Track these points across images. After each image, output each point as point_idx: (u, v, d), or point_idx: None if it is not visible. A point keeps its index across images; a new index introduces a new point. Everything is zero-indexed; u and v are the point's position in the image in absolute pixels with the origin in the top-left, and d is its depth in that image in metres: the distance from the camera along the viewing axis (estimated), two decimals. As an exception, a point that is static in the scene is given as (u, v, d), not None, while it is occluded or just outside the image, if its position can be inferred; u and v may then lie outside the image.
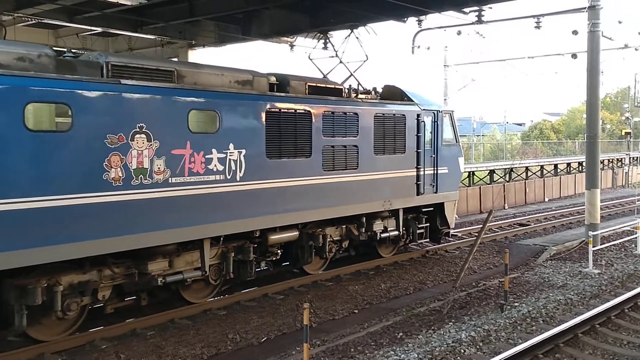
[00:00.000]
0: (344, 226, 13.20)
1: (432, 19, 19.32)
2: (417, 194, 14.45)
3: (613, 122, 69.50)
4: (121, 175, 8.87)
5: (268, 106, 11.07)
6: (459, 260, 15.05)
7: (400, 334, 9.54)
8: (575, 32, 18.05)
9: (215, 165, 10.12)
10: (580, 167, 37.32)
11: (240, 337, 9.54)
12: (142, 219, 9.17)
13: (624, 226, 17.59)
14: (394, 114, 13.82)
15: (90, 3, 15.05)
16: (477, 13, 15.79)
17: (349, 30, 14.51)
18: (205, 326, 10.01)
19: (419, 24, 18.03)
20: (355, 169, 12.86)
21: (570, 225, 21.14)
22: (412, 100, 14.57)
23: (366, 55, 14.65)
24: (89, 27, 18.76)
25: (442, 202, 15.26)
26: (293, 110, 11.56)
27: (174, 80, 9.87)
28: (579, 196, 31.26)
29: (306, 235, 12.39)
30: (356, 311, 11.00)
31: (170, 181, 9.49)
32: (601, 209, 18.09)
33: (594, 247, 14.57)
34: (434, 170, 14.83)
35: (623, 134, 51.98)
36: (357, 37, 14.69)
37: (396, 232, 14.29)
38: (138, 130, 9.07)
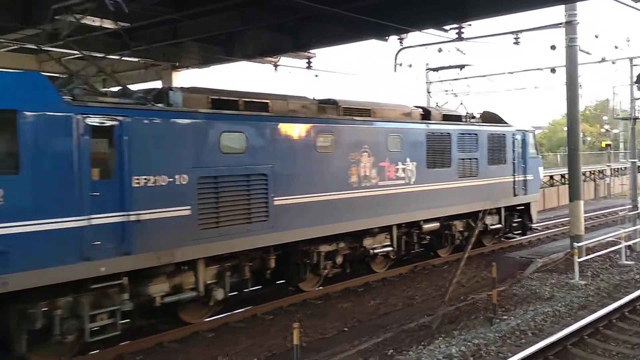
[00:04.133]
0: (465, 220, 16.76)
1: (414, 36, 19.58)
2: (514, 195, 18.36)
3: (593, 135, 70.49)
4: (356, 180, 12.99)
5: (427, 130, 15.20)
6: (447, 275, 15.07)
7: (391, 350, 9.53)
8: (553, 47, 18.41)
9: (400, 173, 14.20)
10: (563, 179, 37.72)
11: (229, 359, 9.47)
12: (364, 209, 13.16)
13: (608, 237, 17.75)
14: (499, 134, 17.95)
15: (74, 27, 15.01)
16: (457, 30, 16.01)
17: (459, 69, 19.24)
18: (194, 349, 9.93)
19: (400, 42, 18.22)
20: (476, 176, 16.81)
21: (555, 237, 21.32)
22: (507, 123, 18.66)
23: (468, 86, 20.16)
24: (72, 51, 18.67)
25: (529, 202, 19.18)
26: (440, 133, 15.62)
27: (371, 115, 13.93)
28: (562, 208, 31.58)
29: (443, 226, 16.05)
30: (346, 329, 10.98)
31: (378, 184, 13.56)
32: (585, 220, 18.29)
33: (579, 258, 14.71)
34: (524, 177, 18.76)
35: (603, 145, 52.71)
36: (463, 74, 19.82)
37: (500, 225, 18.08)
38: (364, 150, 13.20)
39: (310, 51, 19.84)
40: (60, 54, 19.79)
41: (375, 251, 13.96)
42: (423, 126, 15.23)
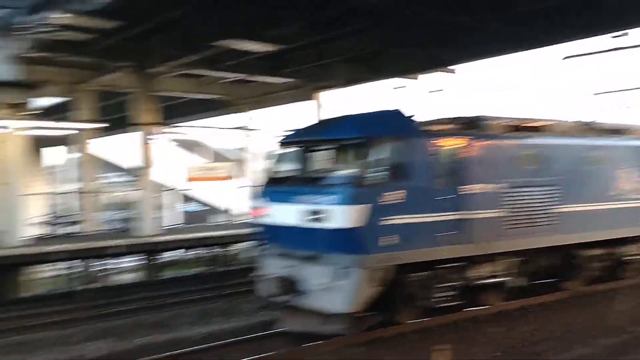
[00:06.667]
0: None
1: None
2: None
3: None
4: (616, 192, 14.25)
5: None
6: (610, 302, 13.73)
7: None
8: None
9: None
10: None
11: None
12: (622, 220, 14.37)
13: None
14: None
15: (229, 52, 16.02)
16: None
17: None
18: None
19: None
20: None
21: None
22: None
23: None
24: (230, 75, 19.92)
25: None
26: None
27: (622, 134, 15.09)
28: None
29: None
30: (498, 353, 10.39)
31: (634, 197, 14.67)
32: None
33: None
34: None
35: None
36: None
37: None
38: (623, 166, 14.54)
39: (449, 67, 19.49)
40: (218, 77, 21.26)
41: (629, 258, 14.99)
42: None
